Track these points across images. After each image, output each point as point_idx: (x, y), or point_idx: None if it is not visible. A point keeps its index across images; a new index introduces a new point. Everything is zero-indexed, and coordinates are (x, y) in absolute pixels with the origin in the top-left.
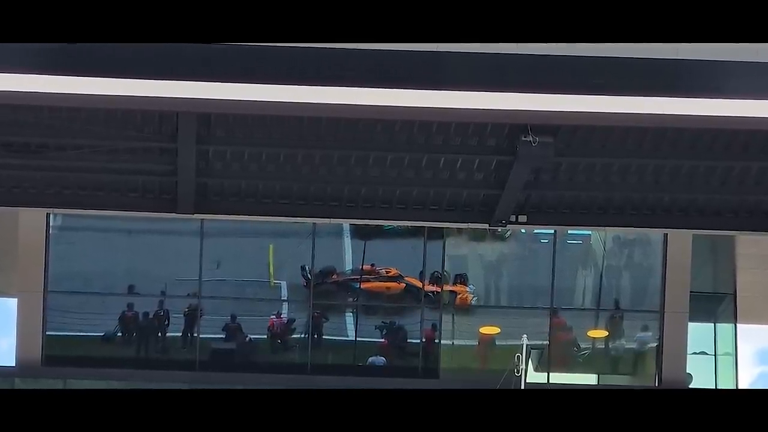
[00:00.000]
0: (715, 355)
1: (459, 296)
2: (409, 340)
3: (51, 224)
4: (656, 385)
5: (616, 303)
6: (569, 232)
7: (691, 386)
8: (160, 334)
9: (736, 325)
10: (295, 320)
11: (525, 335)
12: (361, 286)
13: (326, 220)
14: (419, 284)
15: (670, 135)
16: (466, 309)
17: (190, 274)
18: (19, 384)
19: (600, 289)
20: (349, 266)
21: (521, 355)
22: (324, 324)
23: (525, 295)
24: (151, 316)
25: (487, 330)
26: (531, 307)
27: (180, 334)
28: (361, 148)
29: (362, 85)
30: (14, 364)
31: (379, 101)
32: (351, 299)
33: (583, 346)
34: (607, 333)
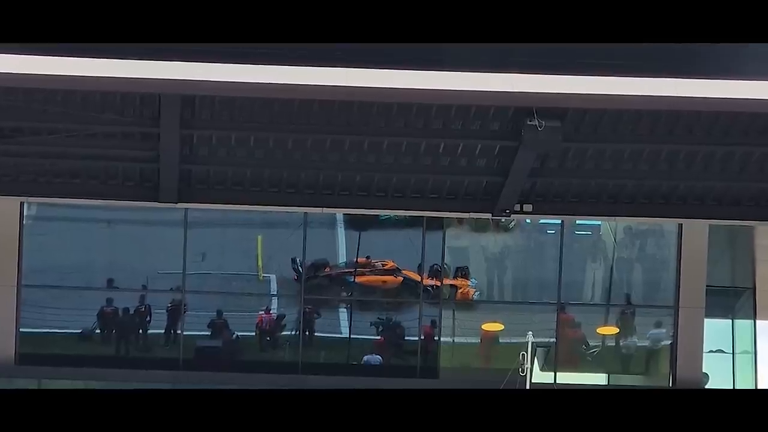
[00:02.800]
0: (733, 353)
1: (460, 291)
2: (406, 338)
3: (25, 214)
4: (670, 385)
5: (628, 298)
6: (577, 222)
7: (707, 386)
8: (141, 330)
9: (755, 322)
10: (285, 316)
11: (530, 332)
12: (356, 280)
13: (318, 210)
14: (417, 278)
15: (686, 118)
16: (467, 304)
17: (173, 267)
18: None
19: (610, 283)
20: (342, 259)
21: (526, 353)
22: (316, 320)
23: (530, 290)
24: (131, 311)
25: (489, 327)
26: (537, 302)
27: (162, 331)
28: (355, 132)
29: (357, 66)
30: None
31: (375, 82)
32: (345, 294)
33: (592, 343)
34: (617, 330)
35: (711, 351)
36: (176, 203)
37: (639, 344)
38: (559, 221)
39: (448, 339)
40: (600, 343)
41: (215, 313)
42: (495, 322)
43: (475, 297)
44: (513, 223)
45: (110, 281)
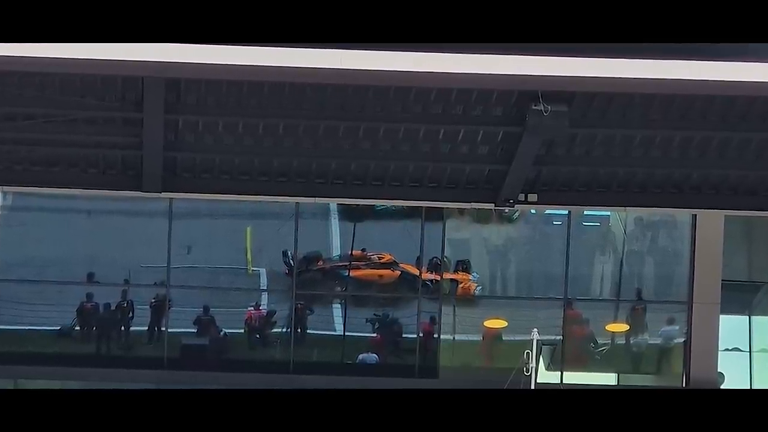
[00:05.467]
0: (750, 351)
1: (461, 285)
2: (404, 335)
3: (0, 204)
4: (683, 385)
5: (639, 293)
6: (585, 213)
7: (722, 387)
8: (123, 328)
9: None
10: (275, 312)
11: (535, 329)
12: (351, 274)
13: (311, 200)
14: (416, 272)
15: (700, 103)
16: (468, 300)
17: (157, 260)
18: None
19: (620, 277)
20: (336, 252)
21: (531, 351)
22: (308, 317)
23: (535, 285)
24: (113, 307)
25: (492, 323)
26: (542, 297)
27: (146, 328)
28: (350, 118)
29: (351, 47)
30: None
31: (371, 65)
32: (339, 289)
33: (600, 341)
34: (627, 327)
35: (727, 349)
36: (160, 193)
37: (650, 342)
38: (566, 212)
39: (449, 336)
40: (609, 341)
41: (201, 309)
42: (498, 318)
43: (476, 292)
44: (517, 214)
45: (90, 275)
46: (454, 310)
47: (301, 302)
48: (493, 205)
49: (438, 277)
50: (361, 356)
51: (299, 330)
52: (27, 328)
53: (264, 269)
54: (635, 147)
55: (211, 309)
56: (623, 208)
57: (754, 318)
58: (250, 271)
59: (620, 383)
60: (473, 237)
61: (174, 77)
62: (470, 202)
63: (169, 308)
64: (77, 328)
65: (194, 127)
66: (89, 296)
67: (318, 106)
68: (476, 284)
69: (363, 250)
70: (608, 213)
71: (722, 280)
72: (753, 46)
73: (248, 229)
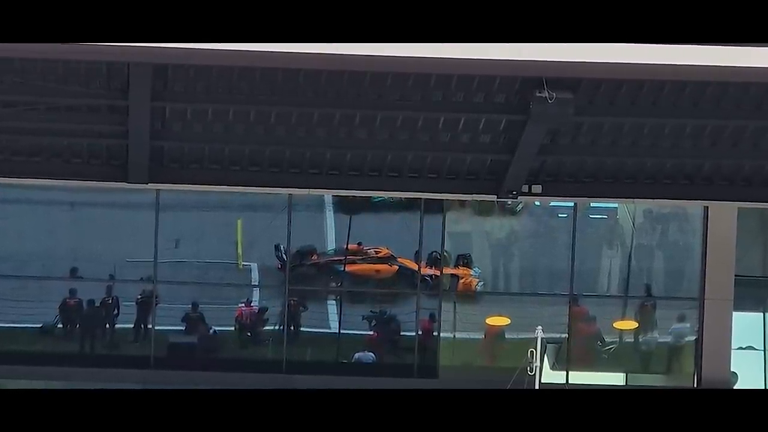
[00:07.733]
0: (764, 350)
1: (461, 281)
2: (402, 333)
3: None
4: (695, 385)
5: (648, 289)
6: (592, 205)
7: (736, 387)
8: (108, 325)
9: None
10: (267, 309)
11: (539, 327)
12: (346, 269)
13: (304, 191)
14: (414, 267)
15: (712, 90)
16: (469, 296)
17: (143, 254)
18: None
19: (628, 272)
20: (331, 246)
21: (535, 350)
22: (302, 314)
23: (540, 280)
24: (97, 304)
25: (494, 321)
26: (547, 293)
27: (132, 325)
28: (346, 105)
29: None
30: None
31: (368, 50)
32: (334, 284)
33: (608, 339)
34: (636, 324)
35: (740, 347)
36: (147, 184)
37: (660, 340)
38: (572, 204)
39: (449, 334)
40: (617, 339)
41: (190, 306)
42: (500, 315)
43: (478, 288)
44: (520, 206)
45: (74, 270)
46: (455, 306)
47: (295, 298)
48: (496, 196)
49: (438, 272)
50: (357, 355)
51: (292, 327)
52: (8, 325)
53: (255, 264)
54: (644, 136)
55: (200, 305)
56: (632, 200)
57: None
58: (241, 266)
59: (628, 383)
60: (474, 230)
61: (161, 63)
62: (471, 194)
63: (156, 305)
64: (60, 325)
65: (182, 115)
66: (72, 292)
67: (312, 93)
68: (478, 280)
69: (359, 243)
70: (616, 205)
71: (735, 276)
72: None
73: (239, 222)
